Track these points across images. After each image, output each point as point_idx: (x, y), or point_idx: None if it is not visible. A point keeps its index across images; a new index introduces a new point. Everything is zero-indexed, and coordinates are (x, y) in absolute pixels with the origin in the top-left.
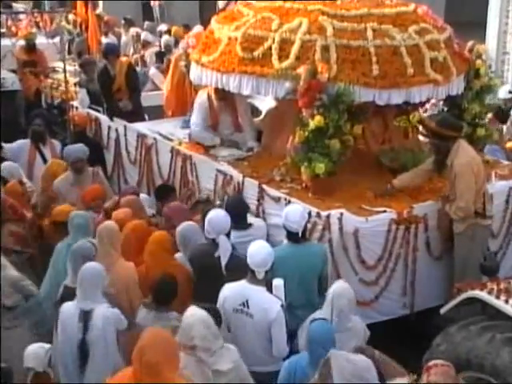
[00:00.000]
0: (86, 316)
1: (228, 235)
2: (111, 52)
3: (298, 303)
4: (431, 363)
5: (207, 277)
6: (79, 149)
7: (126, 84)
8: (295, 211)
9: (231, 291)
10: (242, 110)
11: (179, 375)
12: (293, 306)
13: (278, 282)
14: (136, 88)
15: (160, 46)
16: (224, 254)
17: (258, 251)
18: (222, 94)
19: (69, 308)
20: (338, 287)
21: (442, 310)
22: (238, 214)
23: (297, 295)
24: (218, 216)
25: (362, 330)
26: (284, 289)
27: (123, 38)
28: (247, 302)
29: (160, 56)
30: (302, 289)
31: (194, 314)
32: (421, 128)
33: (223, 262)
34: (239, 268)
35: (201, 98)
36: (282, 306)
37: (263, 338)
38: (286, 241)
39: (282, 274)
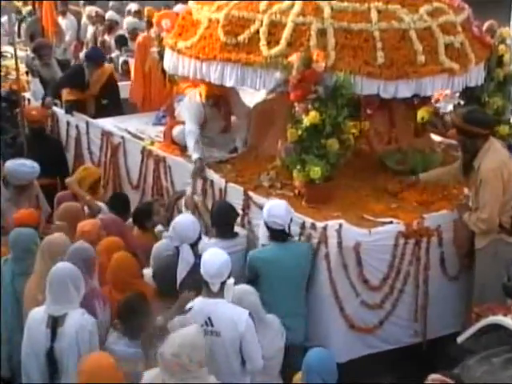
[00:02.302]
0: (55, 322)
1: (194, 245)
2: (93, 59)
3: (286, 312)
4: None
5: (168, 294)
6: (31, 169)
7: (100, 92)
8: (279, 205)
9: (192, 310)
10: (240, 112)
11: None
12: (280, 315)
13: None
14: (116, 99)
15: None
16: (183, 267)
17: (211, 260)
18: (216, 99)
19: (37, 313)
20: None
21: (459, 339)
22: (226, 221)
23: (285, 303)
24: (184, 221)
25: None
26: (271, 296)
27: (84, 19)
28: (210, 319)
29: (121, 42)
30: (291, 295)
31: None
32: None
33: (179, 278)
34: (197, 287)
35: (192, 99)
36: (249, 314)
37: (234, 357)
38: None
39: (269, 279)
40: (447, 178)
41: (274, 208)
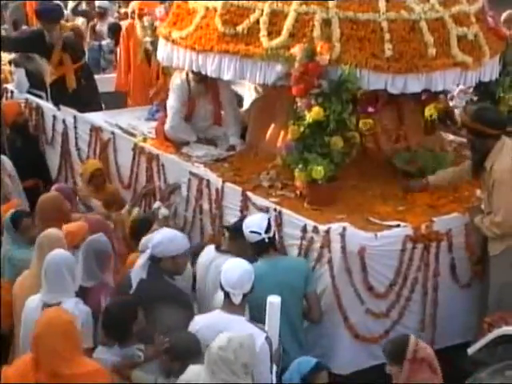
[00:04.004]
0: None
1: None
2: (48, 16)
3: (281, 337)
4: None
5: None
6: None
7: (71, 57)
8: (255, 215)
9: (204, 323)
10: (227, 99)
11: (82, 355)
12: None
13: (274, 299)
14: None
15: (119, 16)
16: (135, 275)
17: (233, 268)
18: (202, 75)
19: (32, 302)
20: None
21: (470, 350)
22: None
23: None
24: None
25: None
26: (260, 321)
27: (70, 4)
28: None
29: (113, 30)
30: (284, 317)
31: None
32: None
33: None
34: (151, 297)
35: (178, 78)
36: (266, 338)
37: None
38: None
39: (256, 301)
40: (458, 180)
41: (250, 218)
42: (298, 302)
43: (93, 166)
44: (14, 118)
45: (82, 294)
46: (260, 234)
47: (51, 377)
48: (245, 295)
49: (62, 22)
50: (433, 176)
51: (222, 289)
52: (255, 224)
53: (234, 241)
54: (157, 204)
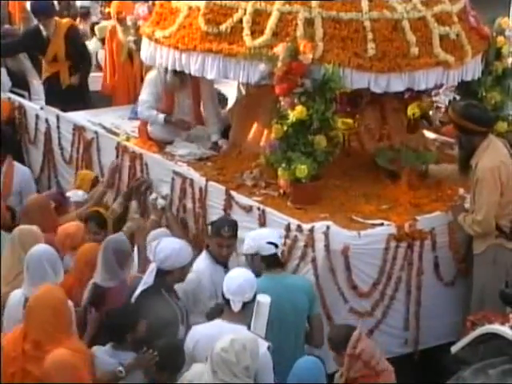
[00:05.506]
0: None
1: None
2: (43, 11)
3: (280, 357)
4: None
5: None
6: None
7: (66, 52)
8: (265, 229)
9: (203, 333)
10: (207, 94)
11: (70, 336)
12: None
13: (263, 299)
14: (83, 57)
15: (103, 16)
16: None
17: (235, 276)
18: None
19: (15, 295)
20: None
21: (453, 349)
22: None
23: (279, 345)
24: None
25: None
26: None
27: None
28: None
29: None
30: (285, 337)
31: None
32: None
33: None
34: (150, 305)
35: (154, 71)
36: (268, 348)
37: None
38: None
39: None
40: (457, 178)
41: (264, 230)
42: (300, 323)
43: (89, 175)
44: (8, 114)
45: (101, 294)
46: (277, 246)
47: (34, 348)
48: (245, 304)
49: (56, 18)
50: (435, 165)
51: (224, 297)
52: (273, 235)
53: (213, 238)
54: (154, 195)
